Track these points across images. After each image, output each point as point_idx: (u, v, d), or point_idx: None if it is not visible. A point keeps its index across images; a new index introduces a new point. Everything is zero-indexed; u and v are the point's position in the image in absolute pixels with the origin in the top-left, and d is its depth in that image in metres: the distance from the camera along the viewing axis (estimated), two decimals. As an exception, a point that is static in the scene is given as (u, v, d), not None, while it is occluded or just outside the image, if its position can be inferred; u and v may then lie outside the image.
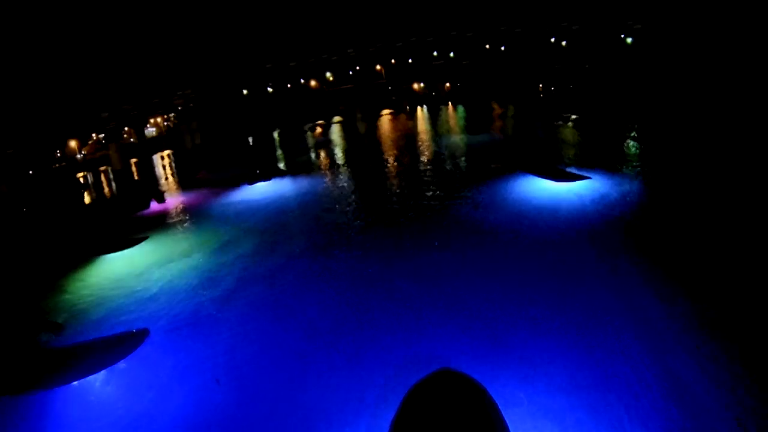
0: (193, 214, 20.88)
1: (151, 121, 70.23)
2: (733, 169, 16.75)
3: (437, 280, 10.92)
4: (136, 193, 27.91)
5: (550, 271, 10.57)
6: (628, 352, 7.46)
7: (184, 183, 29.83)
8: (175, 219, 20.52)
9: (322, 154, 33.09)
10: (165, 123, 71.92)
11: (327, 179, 24.02)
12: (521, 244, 12.43)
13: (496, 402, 6.36)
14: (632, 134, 26.69)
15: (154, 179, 34.44)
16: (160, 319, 10.87)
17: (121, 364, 9.26)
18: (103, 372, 9.06)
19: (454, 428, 5.92)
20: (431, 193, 19.04)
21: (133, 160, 51.50)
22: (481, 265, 11.44)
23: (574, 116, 35.45)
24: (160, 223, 19.99)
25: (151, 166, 45.18)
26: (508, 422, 6.04)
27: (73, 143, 58.43)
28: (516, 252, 11.95)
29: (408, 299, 10.20)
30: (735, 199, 13.79)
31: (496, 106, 51.01)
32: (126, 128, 65.17)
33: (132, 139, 63.07)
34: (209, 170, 32.60)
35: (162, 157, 50.88)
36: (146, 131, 65.65)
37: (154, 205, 23.65)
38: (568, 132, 30.89)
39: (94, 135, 62.91)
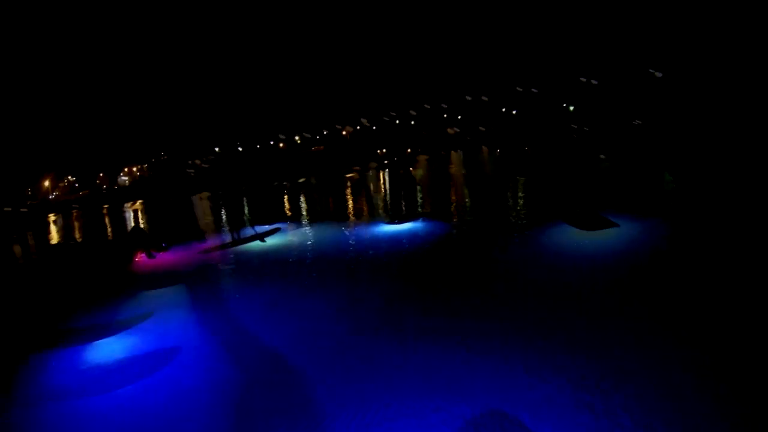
0: (182, 267, 19.05)
1: (125, 169, 72.45)
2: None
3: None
4: (120, 244, 27.46)
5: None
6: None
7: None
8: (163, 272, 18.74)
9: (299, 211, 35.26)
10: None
11: (307, 235, 22.83)
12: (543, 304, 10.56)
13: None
14: (662, 176, 26.61)
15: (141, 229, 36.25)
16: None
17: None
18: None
19: None
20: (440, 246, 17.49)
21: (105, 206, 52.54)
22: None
23: (604, 157, 36.41)
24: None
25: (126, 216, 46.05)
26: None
27: (46, 182, 59.70)
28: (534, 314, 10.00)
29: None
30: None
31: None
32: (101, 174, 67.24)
33: (104, 186, 65.14)
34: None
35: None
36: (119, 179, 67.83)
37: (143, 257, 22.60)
38: (600, 174, 30.82)
39: (69, 176, 64.15)
